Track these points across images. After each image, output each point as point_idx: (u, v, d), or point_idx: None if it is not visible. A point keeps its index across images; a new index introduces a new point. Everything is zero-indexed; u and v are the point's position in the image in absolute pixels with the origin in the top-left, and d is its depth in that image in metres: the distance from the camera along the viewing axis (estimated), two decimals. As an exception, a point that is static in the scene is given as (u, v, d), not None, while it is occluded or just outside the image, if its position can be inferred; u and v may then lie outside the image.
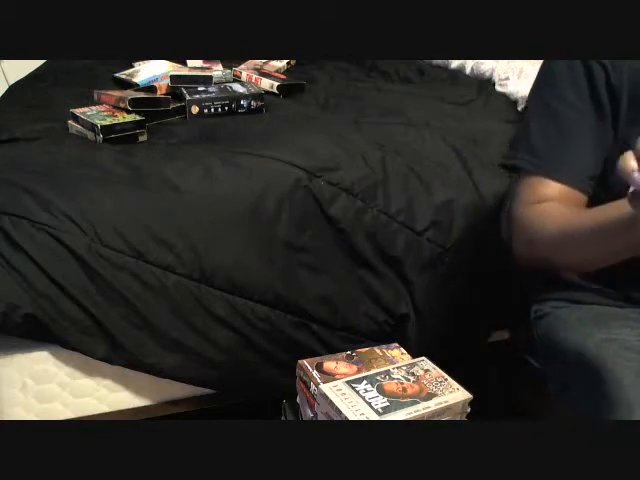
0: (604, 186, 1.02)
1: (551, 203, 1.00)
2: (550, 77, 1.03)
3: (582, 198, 1.02)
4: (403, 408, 0.96)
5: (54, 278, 1.23)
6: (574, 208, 0.99)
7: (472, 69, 2.13)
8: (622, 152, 0.70)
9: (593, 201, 1.00)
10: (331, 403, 0.96)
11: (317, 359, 1.08)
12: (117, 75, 2.03)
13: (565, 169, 1.01)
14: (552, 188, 1.01)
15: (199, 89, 1.80)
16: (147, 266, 1.27)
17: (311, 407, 1.03)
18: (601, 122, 0.99)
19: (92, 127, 1.53)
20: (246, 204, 1.34)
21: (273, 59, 2.22)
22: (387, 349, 1.14)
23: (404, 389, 1.00)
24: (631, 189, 0.69)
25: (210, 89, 1.81)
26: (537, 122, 1.05)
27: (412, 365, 1.07)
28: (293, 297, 1.37)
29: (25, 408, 1.33)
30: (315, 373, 1.03)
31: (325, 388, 0.99)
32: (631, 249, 0.86)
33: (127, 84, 1.96)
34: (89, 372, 1.34)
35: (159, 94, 1.81)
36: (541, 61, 1.07)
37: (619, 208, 0.83)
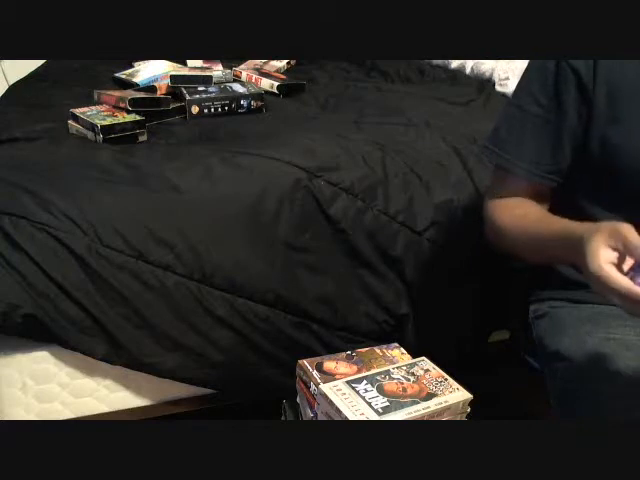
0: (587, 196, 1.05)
1: (515, 201, 1.07)
2: (526, 75, 1.07)
3: (544, 191, 1.07)
4: (403, 408, 0.96)
5: (54, 278, 1.23)
6: (535, 210, 1.04)
7: (472, 69, 2.13)
8: None
9: (578, 210, 1.03)
10: (331, 403, 0.96)
11: (317, 359, 1.08)
12: (117, 75, 2.03)
13: (521, 162, 1.05)
14: (516, 183, 1.07)
15: (199, 89, 1.80)
16: (147, 266, 1.27)
17: (311, 407, 1.03)
18: (564, 121, 1.02)
19: (92, 127, 1.53)
20: (246, 204, 1.34)
21: (273, 59, 2.22)
22: (387, 349, 1.14)
23: (404, 389, 1.00)
24: None
25: (210, 89, 1.82)
26: (506, 114, 1.10)
27: (412, 365, 1.07)
28: (293, 297, 1.37)
29: (25, 408, 1.33)
30: (315, 373, 1.03)
31: (325, 388, 0.99)
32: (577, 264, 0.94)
33: (127, 84, 1.96)
34: (89, 372, 1.34)
35: (159, 94, 1.81)
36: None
37: (569, 232, 0.90)
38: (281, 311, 1.36)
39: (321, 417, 1.00)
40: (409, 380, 1.02)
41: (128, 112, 1.59)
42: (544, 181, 1.05)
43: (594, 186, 1.05)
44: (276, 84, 1.94)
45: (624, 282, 0.78)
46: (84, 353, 1.28)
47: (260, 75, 2.01)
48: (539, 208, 1.05)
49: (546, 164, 1.04)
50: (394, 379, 1.02)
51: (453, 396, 1.00)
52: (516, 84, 1.10)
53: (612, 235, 0.80)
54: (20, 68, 2.13)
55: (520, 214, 1.04)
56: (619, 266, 0.80)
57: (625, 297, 0.78)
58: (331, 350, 1.31)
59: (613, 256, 0.80)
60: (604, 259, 0.80)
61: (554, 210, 1.05)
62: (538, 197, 1.06)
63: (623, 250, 0.79)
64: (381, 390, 0.99)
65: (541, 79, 1.02)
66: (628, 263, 0.80)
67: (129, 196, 1.31)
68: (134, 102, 1.61)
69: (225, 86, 1.85)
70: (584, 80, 0.98)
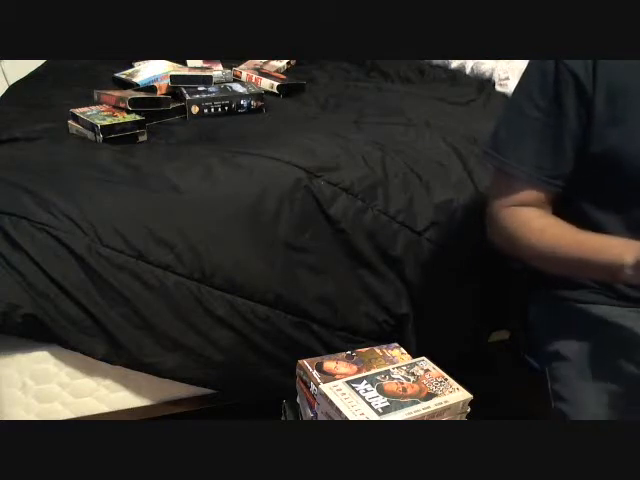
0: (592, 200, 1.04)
1: (528, 211, 1.05)
2: (525, 78, 1.06)
3: (549, 196, 1.06)
4: (403, 408, 0.96)
5: (54, 278, 1.23)
6: (553, 222, 1.03)
7: (472, 69, 2.14)
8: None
9: (578, 212, 1.03)
10: (331, 403, 0.96)
11: (317, 359, 1.08)
12: (117, 75, 2.03)
13: (523, 167, 1.04)
14: (519, 188, 1.05)
15: (199, 89, 1.80)
16: (147, 266, 1.27)
17: (311, 407, 1.03)
18: (565, 124, 1.01)
19: (92, 127, 1.53)
20: (246, 204, 1.34)
21: (273, 59, 2.22)
22: (387, 349, 1.14)
23: (404, 389, 1.00)
24: None
25: (210, 89, 1.82)
26: (506, 117, 1.09)
27: (412, 365, 1.07)
28: (293, 297, 1.37)
29: (25, 408, 1.33)
30: (315, 373, 1.03)
31: (325, 388, 0.99)
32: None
33: (127, 84, 1.96)
34: (89, 372, 1.34)
35: (159, 94, 1.81)
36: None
37: (607, 252, 0.91)
38: (281, 311, 1.36)
39: (321, 417, 1.00)
40: (409, 380, 1.02)
41: (128, 112, 1.59)
42: (548, 186, 1.04)
43: (596, 189, 1.05)
44: (276, 84, 1.94)
45: None
46: (84, 353, 1.28)
47: (260, 75, 2.01)
48: (559, 221, 1.03)
49: (549, 169, 1.03)
50: (394, 379, 1.02)
51: (453, 396, 1.00)
52: (514, 87, 1.10)
53: None
54: (20, 68, 2.13)
55: (547, 224, 1.03)
56: None
57: None
58: (331, 350, 1.31)
59: None
60: None
61: (556, 214, 1.05)
62: (543, 202, 1.05)
63: None
64: (381, 390, 0.99)
65: (540, 82, 1.01)
66: None
67: (129, 196, 1.31)
68: (134, 102, 1.61)
69: (225, 86, 1.85)
70: (583, 83, 0.98)
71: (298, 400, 1.09)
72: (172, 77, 1.85)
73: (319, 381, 1.01)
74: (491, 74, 2.04)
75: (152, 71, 2.00)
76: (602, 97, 0.98)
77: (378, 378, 1.02)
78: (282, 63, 2.23)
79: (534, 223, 1.03)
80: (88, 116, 1.56)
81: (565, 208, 1.04)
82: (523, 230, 1.03)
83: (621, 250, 0.88)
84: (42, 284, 1.23)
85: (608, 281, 1.05)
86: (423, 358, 1.09)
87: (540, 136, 1.02)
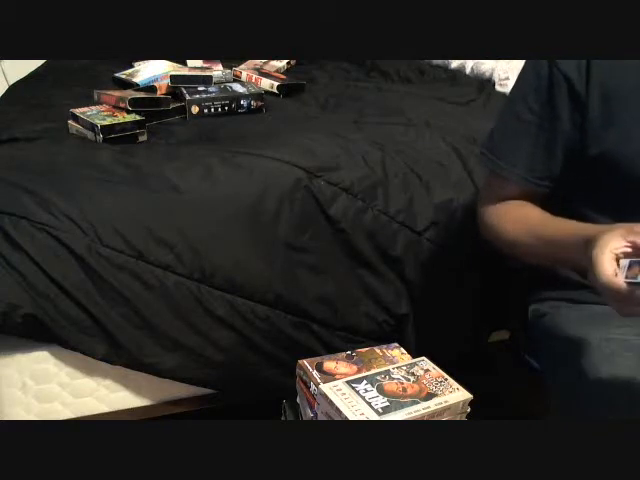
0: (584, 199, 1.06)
1: (507, 205, 1.07)
2: (520, 79, 1.07)
3: (537, 196, 1.07)
4: (403, 408, 0.96)
5: (54, 278, 1.23)
6: (537, 212, 1.05)
7: (472, 69, 2.14)
8: None
9: (576, 215, 1.03)
10: (331, 403, 0.96)
11: (317, 359, 1.08)
12: (117, 75, 2.03)
13: (515, 169, 1.05)
14: (510, 189, 1.07)
15: (199, 89, 1.80)
16: (147, 266, 1.27)
17: (311, 407, 1.03)
18: (558, 127, 1.01)
19: (92, 127, 1.53)
20: (246, 204, 1.34)
21: (273, 59, 2.22)
22: (387, 349, 1.14)
23: (404, 389, 1.00)
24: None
25: (210, 89, 1.82)
26: (501, 119, 1.10)
27: (412, 365, 1.07)
28: (293, 297, 1.37)
29: (25, 408, 1.33)
30: (315, 373, 1.03)
31: (325, 388, 0.99)
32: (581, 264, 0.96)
33: (127, 84, 1.96)
34: (89, 372, 1.34)
35: (159, 94, 1.81)
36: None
37: (573, 241, 0.90)
38: (281, 311, 1.36)
39: (321, 417, 1.00)
40: (409, 380, 1.03)
41: (128, 112, 1.59)
42: (538, 188, 1.06)
43: (594, 191, 1.05)
44: (276, 84, 1.95)
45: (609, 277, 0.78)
46: (84, 353, 1.28)
47: (260, 75, 2.01)
48: (540, 210, 1.05)
49: (540, 170, 1.05)
50: (394, 379, 1.03)
51: (453, 396, 1.00)
52: (510, 89, 1.11)
53: (629, 232, 0.80)
54: (20, 68, 2.13)
55: (521, 216, 1.04)
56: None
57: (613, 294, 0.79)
58: (331, 350, 1.31)
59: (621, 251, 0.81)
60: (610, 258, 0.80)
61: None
62: (531, 201, 1.07)
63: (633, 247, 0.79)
64: (381, 390, 0.99)
65: (535, 85, 1.02)
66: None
67: (129, 196, 1.31)
68: (134, 102, 1.61)
69: (225, 86, 1.85)
70: (576, 87, 0.98)
71: (298, 400, 1.09)
72: (172, 77, 1.85)
73: (319, 381, 1.01)
74: (491, 74, 2.04)
75: (152, 71, 2.00)
76: (596, 99, 0.98)
77: (378, 378, 1.02)
78: (282, 63, 2.23)
79: (517, 212, 1.05)
80: (88, 116, 1.56)
81: (563, 211, 1.04)
82: (508, 221, 1.06)
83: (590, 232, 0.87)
84: (42, 284, 1.23)
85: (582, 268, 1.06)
86: (423, 358, 1.09)
87: (534, 139, 1.03)
